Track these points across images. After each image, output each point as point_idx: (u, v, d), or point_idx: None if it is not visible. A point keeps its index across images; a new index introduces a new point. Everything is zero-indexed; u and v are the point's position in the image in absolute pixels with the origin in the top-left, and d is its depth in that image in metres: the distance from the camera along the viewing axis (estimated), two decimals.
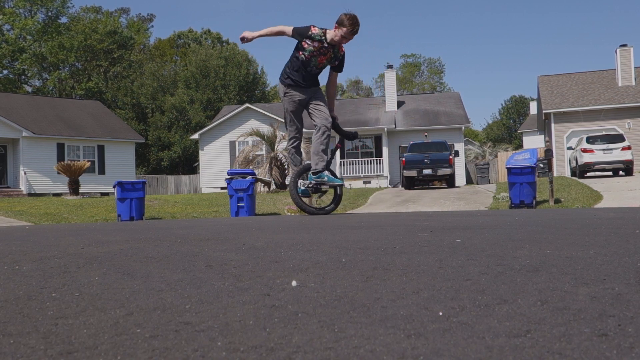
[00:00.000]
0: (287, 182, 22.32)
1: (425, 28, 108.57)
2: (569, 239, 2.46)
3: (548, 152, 13.34)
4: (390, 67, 32.60)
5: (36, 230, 4.81)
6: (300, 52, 5.61)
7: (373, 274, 1.59)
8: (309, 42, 5.57)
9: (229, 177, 10.78)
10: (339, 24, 5.48)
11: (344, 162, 28.93)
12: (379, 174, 28.49)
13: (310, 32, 5.54)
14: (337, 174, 28.45)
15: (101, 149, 29.68)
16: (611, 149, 19.48)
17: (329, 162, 5.90)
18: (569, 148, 22.70)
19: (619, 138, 20.03)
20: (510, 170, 11.74)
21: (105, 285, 1.56)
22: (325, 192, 6.35)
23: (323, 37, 5.55)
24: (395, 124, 29.32)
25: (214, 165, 30.38)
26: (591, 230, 2.89)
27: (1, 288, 1.56)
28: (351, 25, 5.45)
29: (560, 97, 27.92)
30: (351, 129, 28.37)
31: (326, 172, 5.90)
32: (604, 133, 21.31)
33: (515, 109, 60.70)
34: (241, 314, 1.15)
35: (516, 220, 4.06)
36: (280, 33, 5.57)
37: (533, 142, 38.77)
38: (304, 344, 0.93)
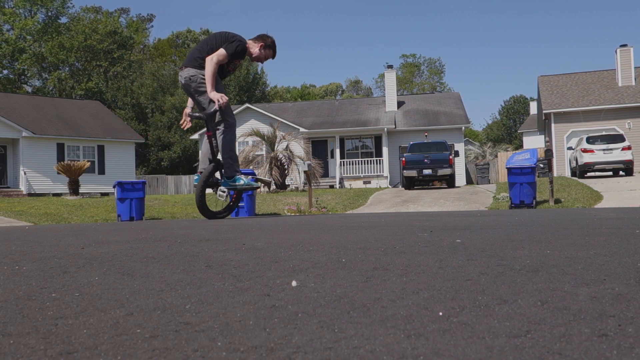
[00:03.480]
0: (287, 182, 22.33)
1: (425, 28, 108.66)
2: (569, 239, 2.46)
3: (548, 152, 13.34)
4: (390, 67, 32.62)
5: (36, 230, 4.81)
6: (227, 64, 5.57)
7: (373, 274, 1.59)
8: (240, 60, 5.67)
9: None
10: (267, 46, 5.66)
11: (344, 162, 28.94)
12: (379, 174, 28.49)
13: (243, 53, 5.53)
14: (337, 174, 28.48)
15: (101, 149, 29.67)
16: (611, 149, 19.48)
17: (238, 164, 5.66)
18: (569, 148, 22.71)
19: (619, 138, 20.03)
20: (510, 171, 11.75)
21: (105, 285, 1.56)
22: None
23: (247, 54, 5.65)
24: (395, 124, 29.33)
25: None
26: (591, 231, 2.89)
27: (1, 288, 1.56)
28: (275, 52, 5.77)
29: (560, 97, 27.92)
30: (350, 129, 27.82)
31: (241, 177, 5.61)
32: (604, 133, 21.31)
33: (515, 109, 60.71)
34: (241, 314, 1.15)
35: (516, 220, 4.06)
36: (218, 65, 5.37)
37: (533, 142, 38.77)
38: (304, 344, 0.93)
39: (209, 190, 5.93)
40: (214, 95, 5.25)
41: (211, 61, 5.27)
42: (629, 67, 27.68)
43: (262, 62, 5.79)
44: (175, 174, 39.94)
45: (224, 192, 5.78)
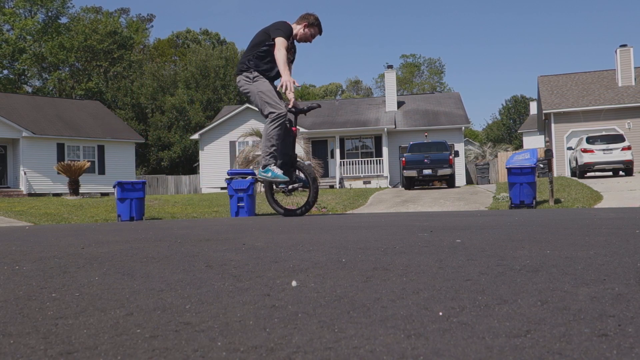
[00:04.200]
0: None
1: (425, 28, 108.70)
2: (569, 239, 2.46)
3: (548, 152, 13.35)
4: (390, 67, 32.62)
5: (36, 230, 4.81)
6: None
7: (373, 274, 1.59)
8: (289, 40, 5.73)
9: (229, 177, 10.77)
10: (310, 24, 5.72)
11: (344, 162, 28.93)
12: (379, 174, 28.49)
13: (290, 30, 5.66)
14: (337, 174, 28.46)
15: (101, 149, 29.68)
16: (611, 149, 19.48)
17: (277, 155, 5.71)
18: (569, 148, 22.71)
19: (619, 138, 20.03)
20: (510, 171, 11.75)
21: (105, 285, 1.56)
22: (292, 190, 6.06)
23: (291, 35, 5.73)
24: (395, 124, 29.33)
25: (214, 165, 30.38)
26: (591, 231, 2.89)
27: (1, 288, 1.56)
28: (320, 28, 5.81)
29: (560, 97, 27.92)
30: (350, 129, 27.64)
31: (272, 168, 5.68)
32: (604, 133, 21.31)
33: (516, 109, 60.70)
34: (241, 314, 1.15)
35: (516, 220, 4.06)
36: (286, 51, 5.55)
37: (533, 142, 38.78)
38: (304, 344, 0.93)
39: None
40: (286, 77, 5.40)
41: (279, 51, 5.45)
42: (629, 67, 27.68)
43: (310, 42, 5.84)
44: (175, 174, 39.96)
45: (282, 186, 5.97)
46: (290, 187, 6.00)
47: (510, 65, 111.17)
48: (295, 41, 5.81)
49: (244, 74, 5.65)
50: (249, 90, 5.62)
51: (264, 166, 5.71)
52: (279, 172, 5.66)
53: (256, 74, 5.61)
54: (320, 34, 5.85)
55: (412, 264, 1.77)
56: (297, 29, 5.72)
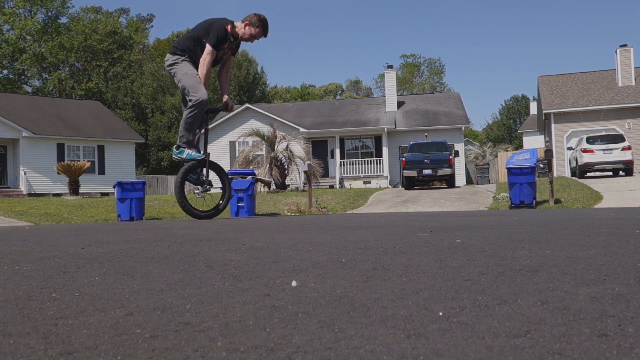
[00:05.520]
0: (287, 182, 22.32)
1: (425, 28, 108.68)
2: (569, 239, 2.46)
3: (548, 152, 13.35)
4: (390, 67, 32.63)
5: (36, 230, 4.80)
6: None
7: (373, 274, 1.59)
8: (231, 42, 5.66)
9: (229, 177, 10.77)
10: (252, 24, 5.60)
11: (344, 162, 28.94)
12: (379, 174, 28.49)
13: (226, 36, 5.55)
14: (337, 174, 28.47)
15: (101, 149, 29.67)
16: (611, 149, 19.48)
17: (191, 141, 5.73)
18: (569, 148, 22.71)
19: (619, 138, 20.03)
20: (510, 171, 11.75)
21: (105, 285, 1.55)
22: (204, 186, 5.88)
23: (231, 35, 5.60)
24: (395, 124, 29.33)
25: None
26: (591, 231, 2.89)
27: (1, 288, 1.56)
28: (264, 30, 5.68)
29: (560, 97, 27.92)
30: (350, 129, 27.64)
31: (185, 149, 5.67)
32: (604, 133, 21.31)
33: (516, 109, 60.72)
34: (241, 314, 1.15)
35: (516, 220, 4.06)
36: (211, 62, 5.51)
37: (533, 142, 38.75)
38: (304, 344, 0.93)
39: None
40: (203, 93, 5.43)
41: (203, 63, 5.43)
42: (629, 67, 27.68)
43: (250, 42, 5.71)
44: (175, 174, 39.92)
45: (197, 190, 5.85)
46: (202, 189, 5.82)
47: (510, 65, 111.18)
48: (238, 38, 5.71)
49: (177, 55, 5.56)
50: (175, 71, 5.52)
51: (178, 147, 5.67)
52: (194, 152, 5.67)
53: (184, 58, 5.53)
54: (265, 36, 5.73)
55: (412, 264, 1.77)
56: (239, 27, 5.60)
